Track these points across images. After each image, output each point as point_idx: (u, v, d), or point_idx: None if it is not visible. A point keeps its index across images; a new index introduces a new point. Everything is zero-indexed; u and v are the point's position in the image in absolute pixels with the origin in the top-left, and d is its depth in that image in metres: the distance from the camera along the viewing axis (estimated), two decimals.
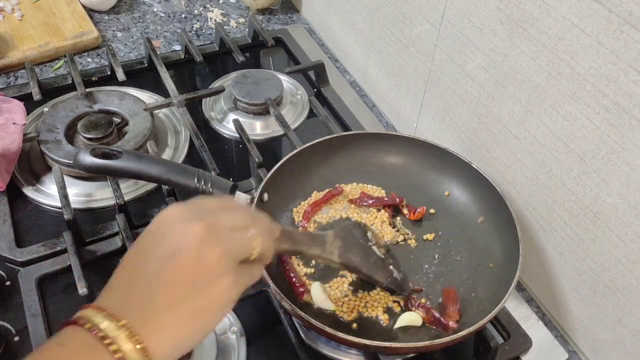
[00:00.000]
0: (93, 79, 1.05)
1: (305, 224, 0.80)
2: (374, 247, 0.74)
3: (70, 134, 0.91)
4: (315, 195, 0.83)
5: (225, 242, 0.47)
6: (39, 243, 0.79)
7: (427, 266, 0.77)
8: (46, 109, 0.95)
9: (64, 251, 0.77)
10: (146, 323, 0.43)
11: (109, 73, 1.06)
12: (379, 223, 0.80)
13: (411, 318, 0.70)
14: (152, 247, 0.46)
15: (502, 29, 0.73)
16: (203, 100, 1.03)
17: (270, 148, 0.98)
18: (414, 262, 0.77)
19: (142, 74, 1.08)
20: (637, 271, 0.65)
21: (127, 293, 0.44)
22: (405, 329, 0.70)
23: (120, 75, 1.01)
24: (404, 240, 0.79)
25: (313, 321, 0.63)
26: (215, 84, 1.06)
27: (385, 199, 0.83)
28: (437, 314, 0.69)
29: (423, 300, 0.72)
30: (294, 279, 0.72)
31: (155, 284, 0.44)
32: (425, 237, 0.80)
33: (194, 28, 1.21)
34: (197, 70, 1.13)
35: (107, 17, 1.21)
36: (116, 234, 0.81)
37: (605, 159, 0.64)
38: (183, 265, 0.44)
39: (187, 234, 0.45)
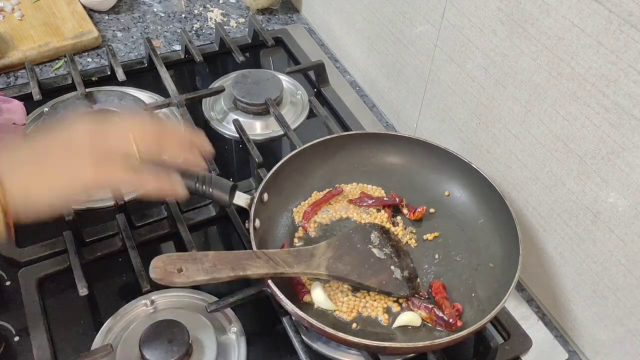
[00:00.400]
0: (93, 79, 1.05)
1: (306, 224, 0.80)
2: (375, 250, 0.74)
3: None
4: (315, 195, 0.83)
5: (106, 138, 0.58)
6: (39, 243, 0.79)
7: (427, 266, 0.77)
8: (46, 109, 0.95)
9: (64, 251, 0.77)
10: (10, 163, 0.53)
11: (109, 73, 1.06)
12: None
13: (410, 318, 0.70)
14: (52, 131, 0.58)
15: (502, 29, 0.73)
16: (203, 100, 1.03)
17: (270, 148, 0.98)
18: (414, 262, 0.76)
19: (142, 74, 1.08)
20: (637, 271, 0.65)
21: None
22: (406, 329, 0.70)
23: (120, 75, 1.01)
24: (406, 241, 0.80)
25: (313, 321, 0.63)
26: (215, 84, 1.06)
27: (385, 199, 0.83)
28: (440, 313, 0.69)
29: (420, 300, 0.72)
30: (294, 279, 0.72)
31: (34, 143, 0.57)
32: (425, 237, 0.80)
33: (194, 28, 1.21)
34: (197, 70, 1.13)
35: (107, 17, 1.21)
36: (116, 234, 0.81)
37: (605, 159, 0.64)
38: (64, 140, 0.57)
39: (82, 130, 0.58)
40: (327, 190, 0.84)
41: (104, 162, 0.57)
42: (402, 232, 0.80)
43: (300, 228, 0.80)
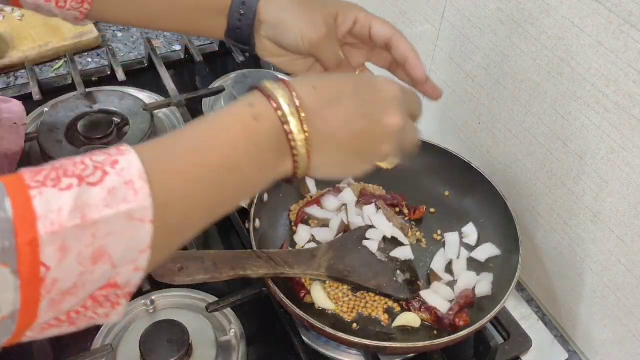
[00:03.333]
0: (93, 79, 1.05)
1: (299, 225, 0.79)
2: (377, 252, 0.74)
3: (71, 134, 0.91)
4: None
5: (390, 150, 0.52)
6: None
7: (427, 267, 0.77)
8: (46, 109, 0.95)
9: None
10: (319, 139, 0.47)
11: (109, 73, 1.06)
12: None
13: (409, 319, 0.70)
14: (367, 98, 0.50)
15: (502, 29, 0.73)
16: (203, 100, 1.03)
17: None
18: (413, 262, 0.76)
19: (142, 74, 1.08)
20: (637, 271, 0.65)
21: (323, 107, 0.47)
22: (406, 329, 0.70)
23: (120, 75, 1.01)
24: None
25: (313, 321, 0.63)
26: (215, 84, 1.06)
27: (388, 197, 0.83)
28: (441, 314, 0.69)
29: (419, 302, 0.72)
30: (294, 279, 0.72)
31: (348, 125, 0.49)
32: (425, 237, 0.80)
33: None
34: (197, 70, 1.13)
35: None
36: None
37: (605, 159, 0.64)
38: (365, 134, 0.50)
39: (391, 122, 0.50)
40: (326, 190, 0.84)
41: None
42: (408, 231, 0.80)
43: (294, 227, 0.80)
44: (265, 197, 0.77)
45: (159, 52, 1.09)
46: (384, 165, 0.56)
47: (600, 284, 0.70)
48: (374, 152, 0.51)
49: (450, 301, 0.71)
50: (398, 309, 0.72)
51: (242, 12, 0.65)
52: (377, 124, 0.50)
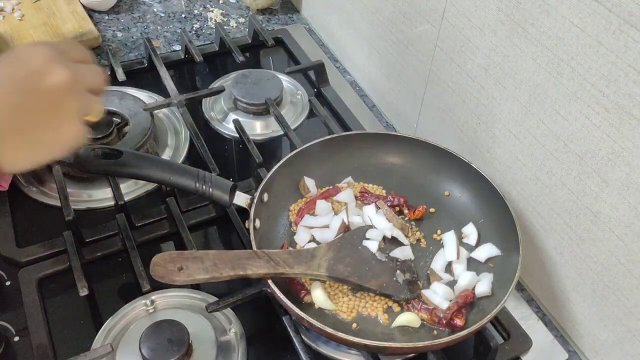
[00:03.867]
0: None
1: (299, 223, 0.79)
2: (377, 252, 0.74)
3: None
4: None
5: (81, 100, 0.53)
6: (39, 243, 0.79)
7: (427, 267, 0.77)
8: None
9: (64, 251, 0.77)
10: None
11: (109, 73, 1.06)
12: None
13: (409, 319, 0.70)
14: (20, 74, 0.50)
15: (502, 29, 0.73)
16: (203, 100, 1.03)
17: (270, 148, 0.98)
18: (413, 262, 0.76)
19: (142, 74, 1.08)
20: (637, 271, 0.65)
21: None
22: (406, 329, 0.70)
23: (120, 75, 1.01)
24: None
25: (313, 321, 0.63)
26: (215, 84, 1.06)
27: (390, 198, 0.83)
28: (441, 314, 0.69)
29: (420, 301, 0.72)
30: (294, 279, 0.72)
31: (12, 109, 0.49)
32: (425, 237, 0.80)
33: (194, 28, 1.21)
34: (197, 70, 1.13)
35: (107, 17, 1.21)
36: (116, 234, 0.81)
37: (605, 159, 0.64)
38: (44, 102, 0.50)
39: (58, 79, 0.50)
40: (325, 189, 0.84)
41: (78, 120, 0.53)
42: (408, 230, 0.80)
43: (293, 226, 0.80)
44: (265, 197, 0.77)
45: (159, 52, 1.09)
46: (90, 118, 0.56)
47: (600, 284, 0.70)
48: (62, 115, 0.51)
49: (450, 301, 0.71)
50: (398, 309, 0.72)
51: None
52: (41, 90, 0.49)
